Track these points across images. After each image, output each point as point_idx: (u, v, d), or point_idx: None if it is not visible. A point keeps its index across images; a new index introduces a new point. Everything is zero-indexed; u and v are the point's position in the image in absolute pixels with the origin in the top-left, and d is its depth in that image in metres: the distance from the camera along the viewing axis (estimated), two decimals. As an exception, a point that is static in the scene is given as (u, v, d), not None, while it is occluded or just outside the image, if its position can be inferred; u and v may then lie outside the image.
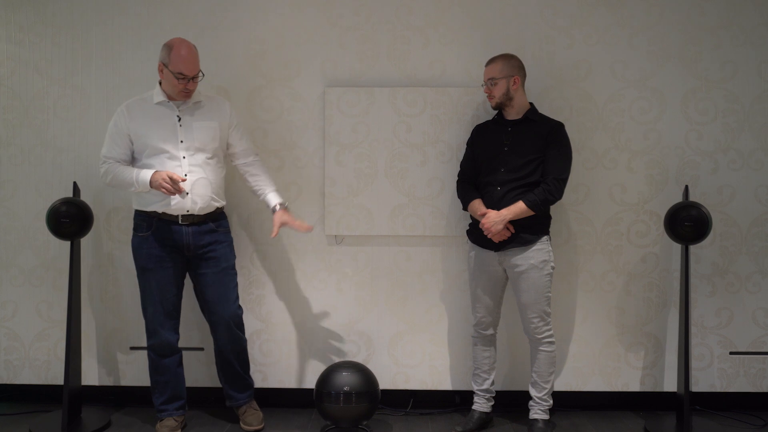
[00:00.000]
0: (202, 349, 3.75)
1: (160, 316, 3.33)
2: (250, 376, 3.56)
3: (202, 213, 3.29)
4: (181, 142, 3.25)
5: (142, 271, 3.33)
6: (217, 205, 3.35)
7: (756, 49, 3.64)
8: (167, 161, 3.23)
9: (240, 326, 3.47)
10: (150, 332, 3.37)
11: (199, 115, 3.30)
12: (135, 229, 3.35)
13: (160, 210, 3.26)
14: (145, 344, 3.47)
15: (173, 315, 3.38)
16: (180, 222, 3.27)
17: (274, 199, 3.39)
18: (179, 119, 3.27)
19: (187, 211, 3.26)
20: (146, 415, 3.59)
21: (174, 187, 3.13)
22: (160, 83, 3.30)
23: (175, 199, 3.22)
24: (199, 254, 3.33)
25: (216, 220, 3.37)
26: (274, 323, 3.76)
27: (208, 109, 3.33)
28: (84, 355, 3.66)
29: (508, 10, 3.67)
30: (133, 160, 3.32)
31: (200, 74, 3.25)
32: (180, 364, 3.45)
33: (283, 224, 3.34)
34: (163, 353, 3.37)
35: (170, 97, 3.27)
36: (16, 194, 3.76)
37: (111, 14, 3.70)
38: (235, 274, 3.45)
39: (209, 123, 3.31)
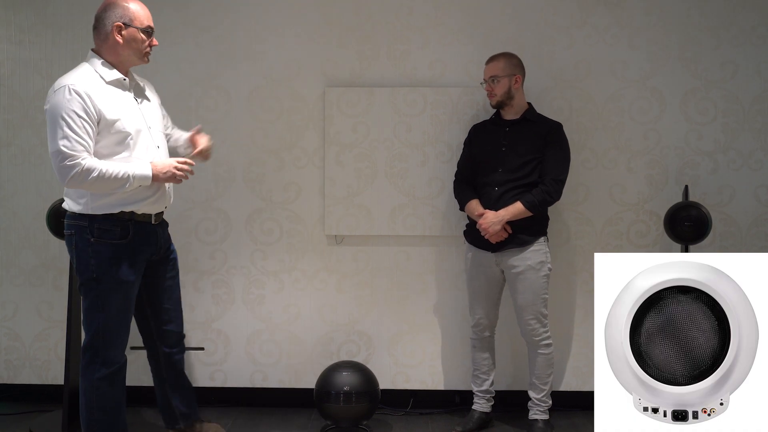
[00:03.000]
0: (202, 348, 3.74)
1: (125, 336, 2.87)
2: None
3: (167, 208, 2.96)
4: (150, 128, 2.80)
5: (118, 285, 2.74)
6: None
7: (756, 49, 3.64)
8: (145, 151, 2.75)
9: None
10: (103, 356, 2.79)
11: (147, 96, 2.89)
12: (100, 236, 2.70)
13: (151, 211, 2.81)
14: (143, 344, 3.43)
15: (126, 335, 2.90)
16: (153, 222, 2.84)
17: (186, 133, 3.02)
18: (138, 101, 2.81)
19: (166, 207, 2.91)
20: (146, 415, 3.59)
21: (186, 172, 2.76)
22: (99, 56, 2.73)
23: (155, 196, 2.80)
24: (164, 256, 2.96)
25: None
26: (274, 323, 3.76)
27: (147, 88, 2.93)
28: (84, 355, 3.66)
29: (508, 10, 3.67)
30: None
31: None
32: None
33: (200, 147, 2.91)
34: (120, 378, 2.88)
35: (124, 73, 2.78)
36: (16, 194, 3.76)
37: (111, 14, 3.70)
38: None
39: (155, 102, 2.95)
